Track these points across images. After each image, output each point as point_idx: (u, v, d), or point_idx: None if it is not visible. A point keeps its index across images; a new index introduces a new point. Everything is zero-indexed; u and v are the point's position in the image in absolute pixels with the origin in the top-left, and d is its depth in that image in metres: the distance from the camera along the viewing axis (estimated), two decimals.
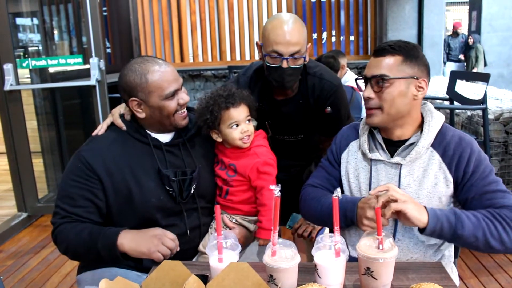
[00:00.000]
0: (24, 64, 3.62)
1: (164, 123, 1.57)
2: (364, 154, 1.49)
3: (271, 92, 1.86)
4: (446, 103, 3.59)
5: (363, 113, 3.37)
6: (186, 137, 1.64)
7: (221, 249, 1.20)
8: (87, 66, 3.59)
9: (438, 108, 3.65)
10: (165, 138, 1.61)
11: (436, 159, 1.39)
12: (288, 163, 2.00)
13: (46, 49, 4.14)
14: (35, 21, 4.08)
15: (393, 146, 1.45)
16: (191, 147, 1.64)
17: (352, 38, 5.90)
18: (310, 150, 2.06)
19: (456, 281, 1.46)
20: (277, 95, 1.87)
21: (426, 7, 5.43)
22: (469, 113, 3.34)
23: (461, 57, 8.54)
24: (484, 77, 3.25)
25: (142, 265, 1.52)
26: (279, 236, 1.25)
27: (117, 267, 1.52)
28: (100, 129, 1.60)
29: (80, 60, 3.64)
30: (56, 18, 4.29)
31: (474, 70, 7.62)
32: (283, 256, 1.15)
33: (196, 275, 1.07)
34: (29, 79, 3.94)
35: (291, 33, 1.65)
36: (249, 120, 1.65)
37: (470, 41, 8.06)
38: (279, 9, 5.85)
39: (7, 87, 3.53)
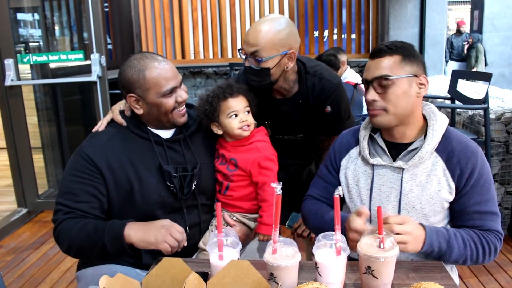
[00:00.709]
0: (25, 60, 3.61)
1: (162, 120, 1.56)
2: (364, 160, 1.47)
3: (270, 91, 1.86)
4: (448, 102, 3.59)
5: (365, 111, 3.37)
6: (187, 133, 1.63)
7: (222, 247, 1.20)
8: (88, 62, 3.59)
9: (439, 107, 3.65)
10: (166, 134, 1.61)
11: (440, 165, 1.38)
12: (288, 162, 2.00)
13: (47, 45, 4.13)
14: (36, 16, 4.07)
15: (395, 148, 1.43)
16: (192, 143, 1.64)
17: (353, 36, 5.89)
18: (310, 149, 2.05)
19: (456, 280, 1.46)
20: (276, 95, 1.87)
21: (428, 6, 5.41)
22: (470, 112, 3.33)
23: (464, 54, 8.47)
24: (486, 77, 3.24)
25: (142, 262, 1.52)
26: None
27: (117, 264, 1.52)
28: (100, 126, 1.59)
29: (81, 56, 3.63)
30: (57, 14, 4.28)
31: (474, 70, 7.59)
32: (284, 254, 1.15)
33: (197, 273, 1.07)
34: (30, 75, 3.93)
35: (254, 34, 1.69)
36: (248, 112, 1.64)
37: (470, 40, 8.03)
38: (281, 6, 5.84)
39: (7, 82, 3.52)
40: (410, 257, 1.39)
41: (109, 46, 5.29)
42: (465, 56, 8.29)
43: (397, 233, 1.23)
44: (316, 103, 1.85)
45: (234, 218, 1.68)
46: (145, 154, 1.55)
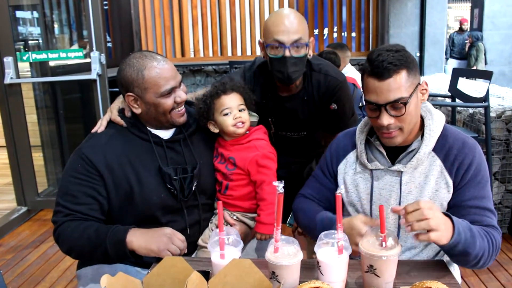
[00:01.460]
0: (24, 58, 3.60)
1: (161, 120, 1.55)
2: (363, 164, 1.45)
3: (275, 88, 1.85)
4: (448, 100, 3.58)
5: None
6: (187, 133, 1.62)
7: (223, 245, 1.20)
8: (87, 60, 3.58)
9: (440, 106, 3.66)
10: (165, 134, 1.60)
11: (438, 165, 1.37)
12: (288, 160, 1.99)
13: (46, 43, 4.12)
14: (36, 14, 4.05)
15: (393, 151, 1.41)
16: (192, 143, 1.63)
17: (353, 34, 5.88)
18: (312, 147, 2.05)
19: (458, 278, 1.45)
20: (281, 92, 1.86)
21: (428, 4, 5.41)
22: (470, 110, 3.33)
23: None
24: (486, 75, 3.24)
25: (143, 260, 1.51)
26: None
27: (117, 262, 1.51)
28: (100, 126, 1.57)
29: (80, 54, 3.62)
30: (57, 12, 4.27)
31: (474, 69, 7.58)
32: (285, 253, 1.14)
33: (198, 271, 1.06)
34: (29, 73, 3.92)
35: (291, 22, 1.66)
36: (243, 109, 1.63)
37: (469, 40, 8.00)
38: (281, 4, 5.83)
39: (7, 80, 3.51)
40: (424, 253, 1.39)
41: (109, 44, 5.29)
42: (465, 54, 8.28)
43: (424, 220, 1.14)
44: (322, 100, 1.84)
45: (235, 217, 1.67)
46: (145, 155, 1.54)
